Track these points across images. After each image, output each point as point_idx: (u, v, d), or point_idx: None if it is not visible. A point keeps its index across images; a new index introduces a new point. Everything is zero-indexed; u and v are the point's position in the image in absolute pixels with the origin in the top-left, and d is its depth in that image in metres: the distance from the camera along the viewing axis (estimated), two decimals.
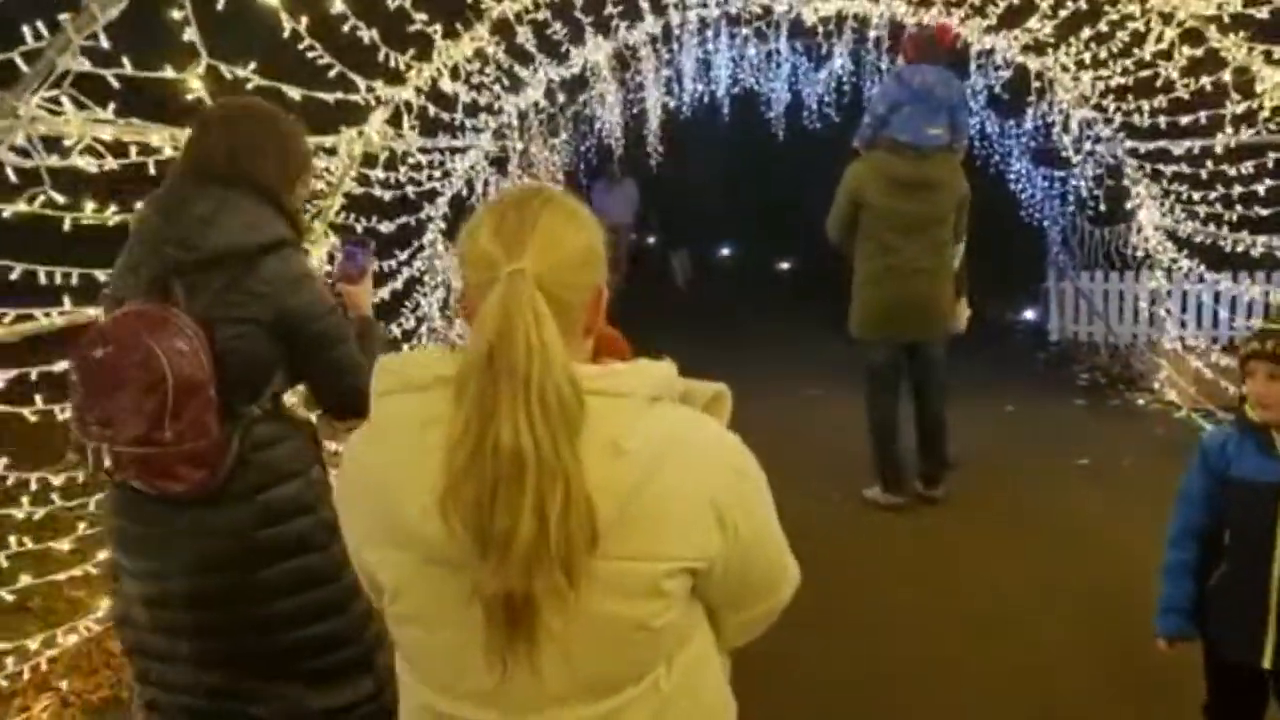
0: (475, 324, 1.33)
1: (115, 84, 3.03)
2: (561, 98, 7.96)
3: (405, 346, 7.60)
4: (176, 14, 3.08)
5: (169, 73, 3.24)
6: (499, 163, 8.18)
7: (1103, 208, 8.17)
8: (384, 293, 6.86)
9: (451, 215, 7.89)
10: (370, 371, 1.46)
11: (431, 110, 5.91)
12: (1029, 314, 11.59)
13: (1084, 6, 5.85)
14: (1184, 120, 6.36)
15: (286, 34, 3.55)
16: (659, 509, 1.34)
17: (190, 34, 3.16)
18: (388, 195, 6.33)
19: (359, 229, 6.04)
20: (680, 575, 1.38)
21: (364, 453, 1.45)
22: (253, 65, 3.57)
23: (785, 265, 17.37)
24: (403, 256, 7.00)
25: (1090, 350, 10.27)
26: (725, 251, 19.17)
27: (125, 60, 3.05)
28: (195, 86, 3.31)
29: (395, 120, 5.51)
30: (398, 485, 1.36)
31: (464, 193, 7.90)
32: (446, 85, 5.49)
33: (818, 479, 6.45)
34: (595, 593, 1.31)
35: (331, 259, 5.85)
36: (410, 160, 6.10)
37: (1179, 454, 7.11)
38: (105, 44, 2.87)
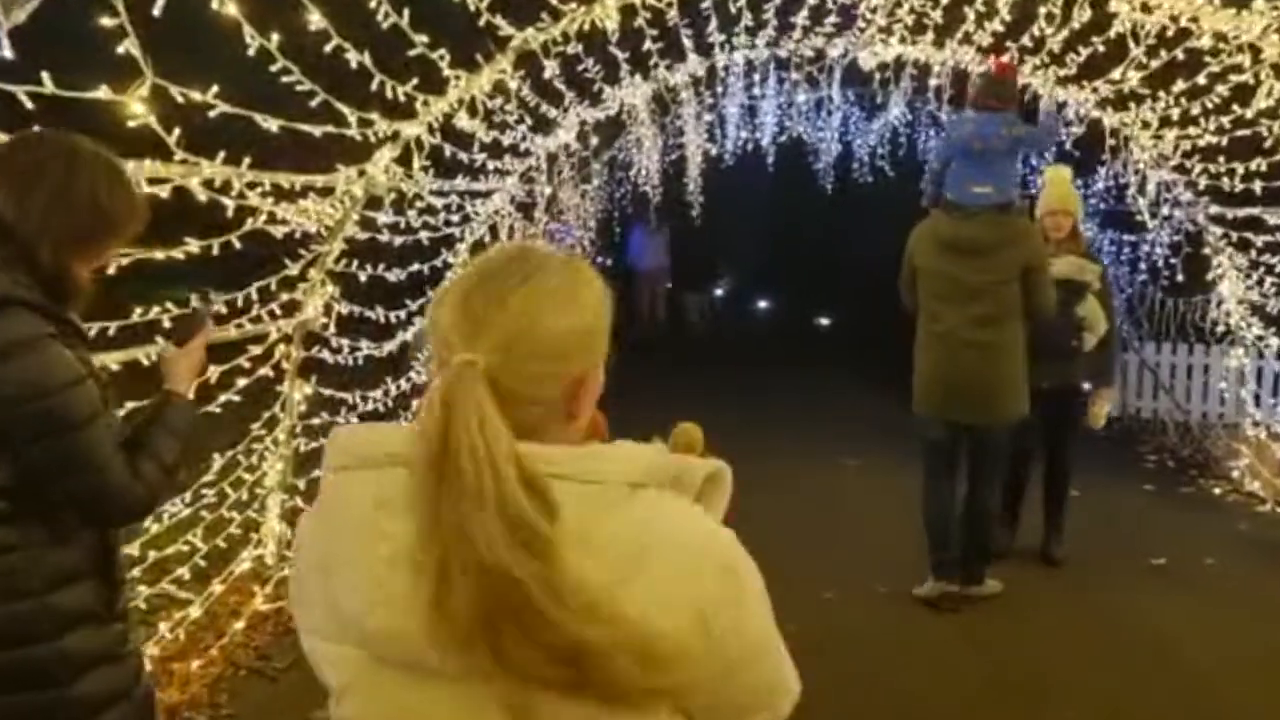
0: (422, 417, 1.18)
1: (29, 104, 2.48)
2: (595, 141, 7.41)
3: (415, 403, 7.07)
4: (108, 21, 2.52)
5: (104, 93, 2.69)
6: (525, 207, 7.64)
7: (1179, 277, 7.46)
8: (391, 346, 6.34)
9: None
10: (126, 467, 1.37)
11: (448, 149, 5.37)
12: (1089, 386, 10.82)
13: (1180, 56, 5.21)
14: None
15: (253, 52, 2.98)
16: (635, 609, 1.17)
17: (129, 46, 2.61)
18: (398, 240, 5.80)
19: (363, 278, 5.52)
20: None
21: (311, 532, 1.31)
22: (214, 89, 3.02)
23: (825, 320, 16.72)
24: (414, 307, 6.45)
25: (1157, 429, 9.51)
26: (763, 304, 18.53)
27: (44, 77, 2.50)
28: (138, 111, 2.76)
29: (404, 159, 4.98)
30: (343, 571, 1.23)
31: (486, 239, 7.37)
32: (464, 122, 4.95)
33: (856, 568, 5.79)
34: (583, 696, 1.16)
35: (328, 310, 5.33)
36: (421, 203, 5.55)
37: (1268, 555, 6.46)
38: (8, 54, 2.31)
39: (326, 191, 4.51)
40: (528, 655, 1.12)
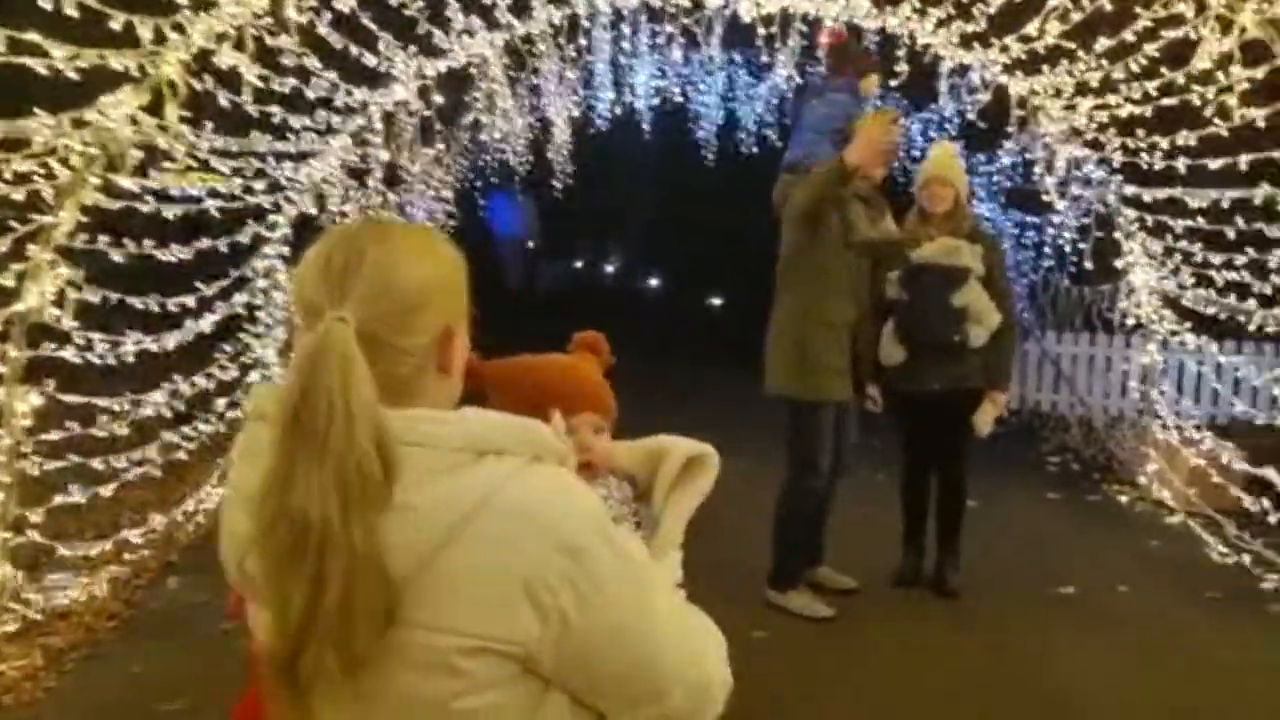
0: (287, 373, 1.18)
1: None
2: (440, 99, 6.39)
3: (224, 399, 6.02)
4: None
5: None
6: (359, 175, 6.58)
7: (1087, 263, 6.76)
8: (179, 338, 5.26)
9: (295, 239, 6.31)
10: None
11: (224, 98, 4.32)
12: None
13: (1107, 6, 4.42)
14: (1214, 165, 4.97)
15: None
16: (454, 578, 1.15)
17: None
18: (173, 212, 4.73)
19: (118, 257, 4.43)
20: (483, 656, 1.17)
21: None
22: None
23: (718, 301, 15.94)
24: (210, 291, 5.38)
25: (1058, 425, 8.89)
26: (653, 283, 17.70)
27: None
28: None
29: (156, 108, 3.92)
30: (229, 512, 1.27)
31: (315, 211, 6.31)
32: (229, 59, 3.90)
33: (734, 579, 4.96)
34: (391, 662, 1.16)
35: (61, 296, 4.25)
36: (195, 166, 4.50)
37: (1183, 581, 5.38)
38: None
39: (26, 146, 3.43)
40: (330, 613, 1.10)
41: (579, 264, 18.32)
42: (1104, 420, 8.26)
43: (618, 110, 8.16)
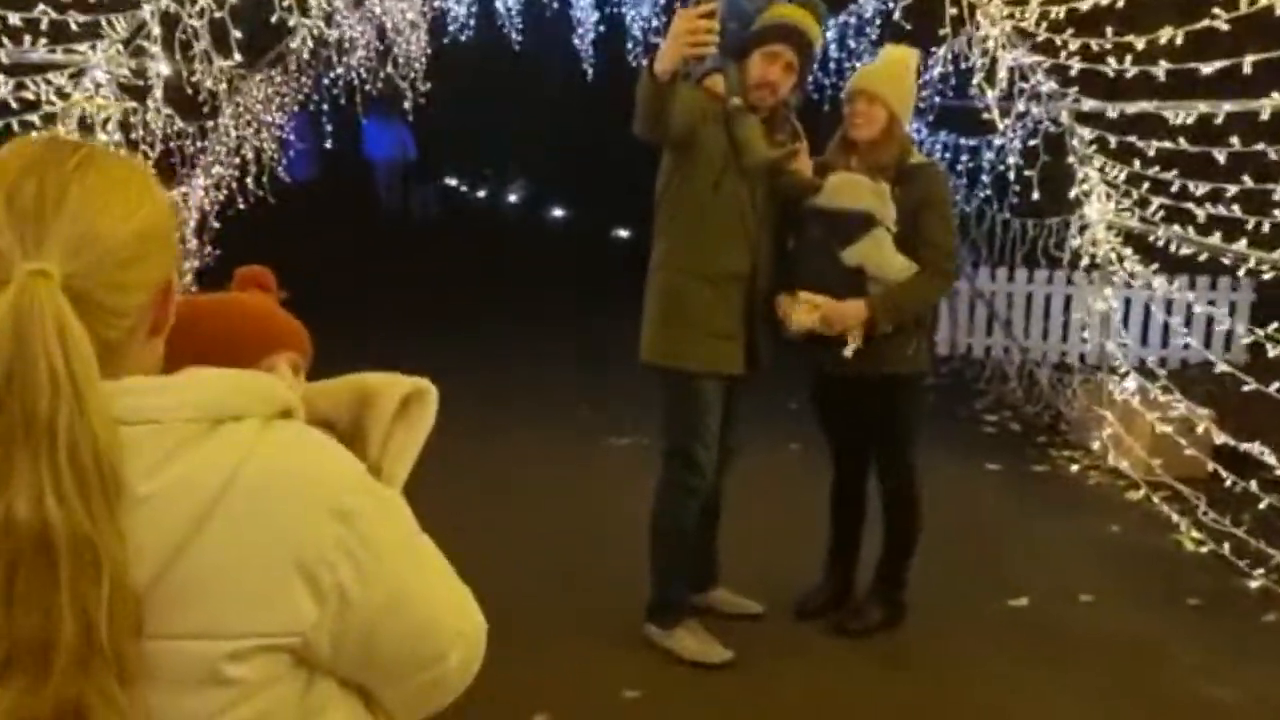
0: None
1: None
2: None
3: None
4: None
5: None
6: (136, 93, 5.20)
7: (1034, 194, 5.66)
8: None
9: None
10: None
11: None
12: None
13: None
14: (1208, 69, 3.87)
15: None
16: (211, 572, 0.97)
17: None
18: None
19: None
20: (256, 656, 1.01)
21: None
22: None
23: (625, 233, 14.66)
24: None
25: (994, 376, 7.88)
26: (558, 213, 16.40)
27: None
28: None
29: None
30: None
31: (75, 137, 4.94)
32: None
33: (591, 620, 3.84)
34: (140, 686, 0.96)
35: None
36: None
37: (1156, 583, 4.09)
38: None
39: None
40: (99, 646, 0.91)
41: (475, 190, 17.15)
42: (1049, 373, 7.24)
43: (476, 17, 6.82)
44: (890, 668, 3.85)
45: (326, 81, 7.64)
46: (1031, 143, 5.61)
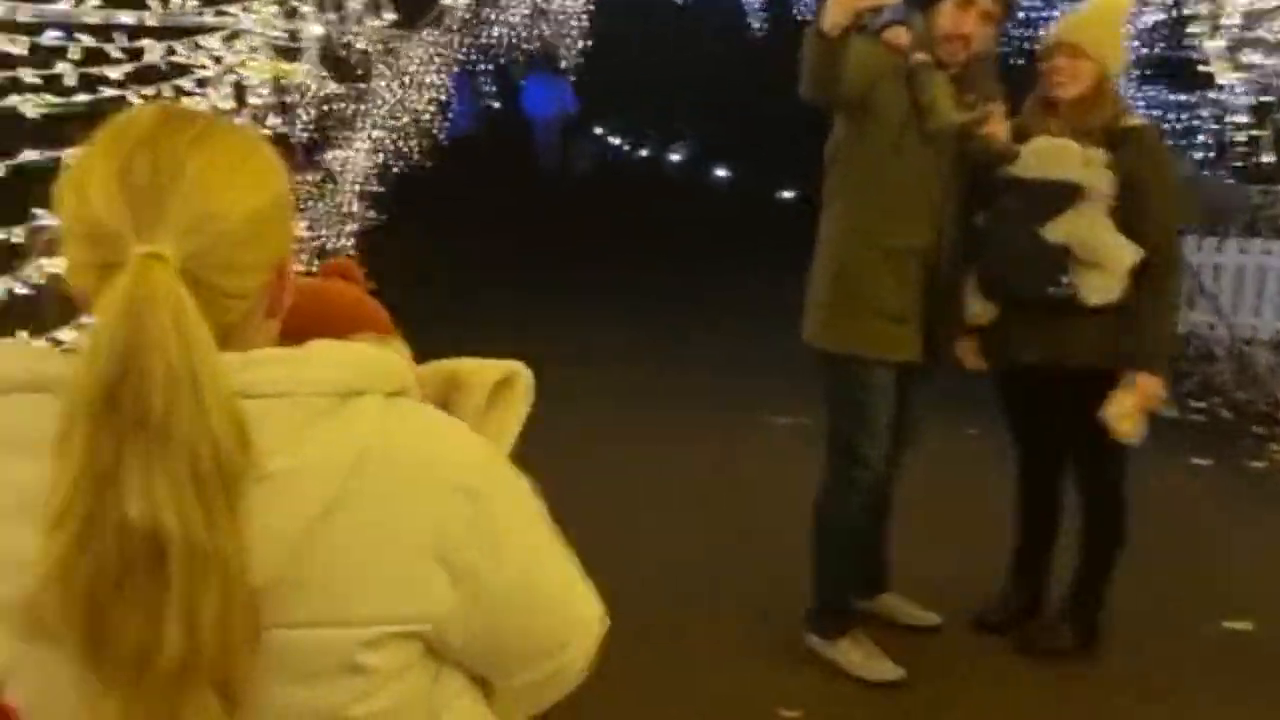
0: (87, 341, 0.87)
1: None
2: None
3: None
4: None
5: None
6: (292, 56, 5.09)
7: (1262, 157, 4.97)
8: None
9: None
10: None
11: None
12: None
13: None
14: None
15: None
16: (344, 555, 0.93)
17: None
18: None
19: None
20: (390, 644, 0.97)
21: None
22: None
23: (790, 194, 14.14)
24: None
25: (1202, 356, 7.12)
26: (720, 174, 15.97)
27: None
28: None
29: None
30: None
31: (233, 107, 4.87)
32: None
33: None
34: (267, 679, 0.92)
35: None
36: None
37: None
38: None
39: None
40: (208, 646, 0.86)
41: (638, 148, 17.00)
42: (1267, 355, 6.49)
43: None
44: (1082, 696, 3.41)
45: (485, 40, 7.45)
46: (1264, 99, 4.91)
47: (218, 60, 4.66)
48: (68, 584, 0.85)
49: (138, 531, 0.84)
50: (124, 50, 3.79)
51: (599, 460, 4.98)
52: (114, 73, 3.85)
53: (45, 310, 2.92)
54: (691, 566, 4.14)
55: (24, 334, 2.81)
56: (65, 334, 2.90)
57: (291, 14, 4.93)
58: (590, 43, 7.34)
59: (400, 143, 6.85)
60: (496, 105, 14.52)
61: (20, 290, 2.95)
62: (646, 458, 5.29)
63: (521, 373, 1.26)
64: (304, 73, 4.95)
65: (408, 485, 0.96)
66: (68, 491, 0.85)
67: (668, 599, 3.81)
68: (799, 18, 7.07)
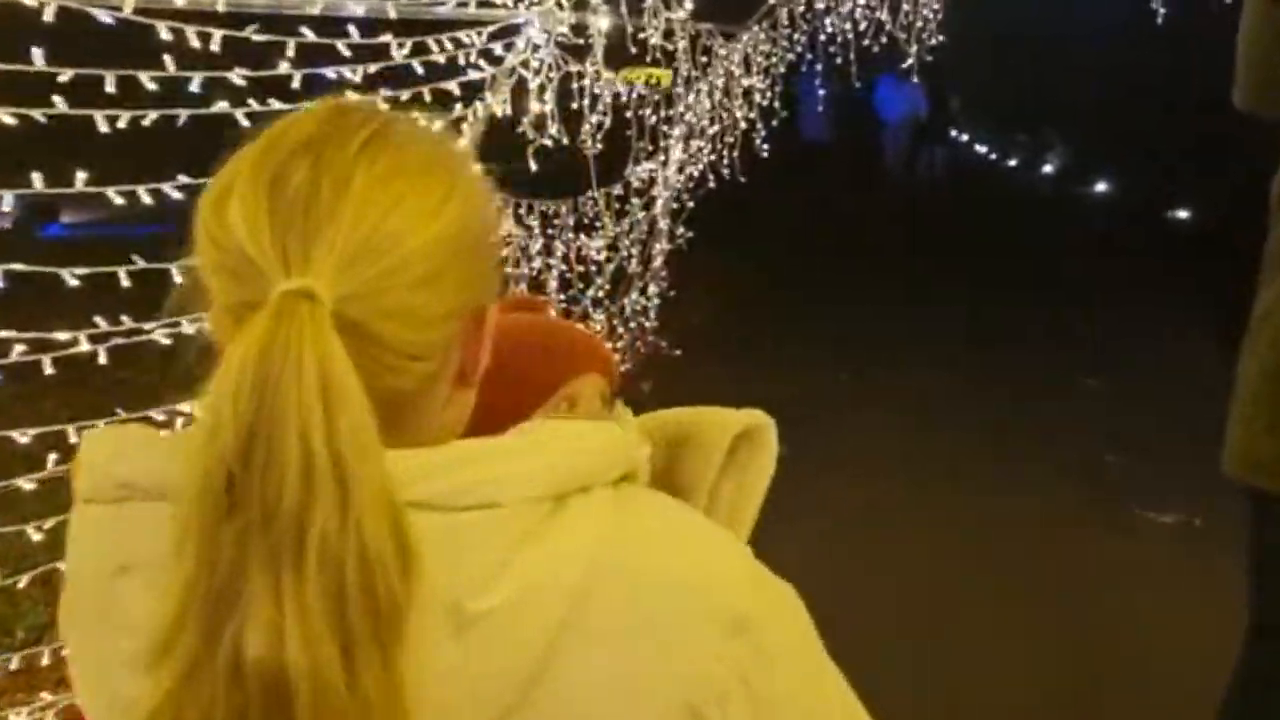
0: (207, 404, 0.68)
1: None
2: None
3: None
4: None
5: None
6: (575, 53, 4.43)
7: None
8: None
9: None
10: None
11: None
12: None
13: None
14: None
15: None
16: (569, 714, 0.72)
17: None
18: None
19: None
20: None
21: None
22: None
23: (1184, 214, 12.08)
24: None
25: None
26: (1100, 188, 14.10)
27: None
28: None
29: None
30: (82, 660, 0.81)
31: (508, 114, 4.32)
32: None
33: None
34: None
35: None
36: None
37: None
38: None
39: None
40: None
41: (1006, 158, 15.75)
42: None
43: None
44: None
45: (823, 38, 6.57)
46: None
47: (492, 59, 4.09)
48: None
49: (256, 672, 0.64)
50: (357, 47, 3.25)
51: (892, 549, 4.04)
52: (349, 73, 3.34)
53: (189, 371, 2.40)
54: (1025, 714, 3.12)
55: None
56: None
57: (578, 4, 4.27)
58: (945, 38, 6.30)
59: (718, 154, 6.12)
60: (847, 108, 13.74)
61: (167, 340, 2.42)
62: (963, 552, 4.20)
63: (765, 425, 1.09)
64: (669, 77, 4.36)
65: (651, 617, 0.73)
66: (176, 612, 0.66)
67: None
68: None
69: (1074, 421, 5.73)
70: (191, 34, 2.76)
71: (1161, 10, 5.67)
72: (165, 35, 2.69)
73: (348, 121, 0.75)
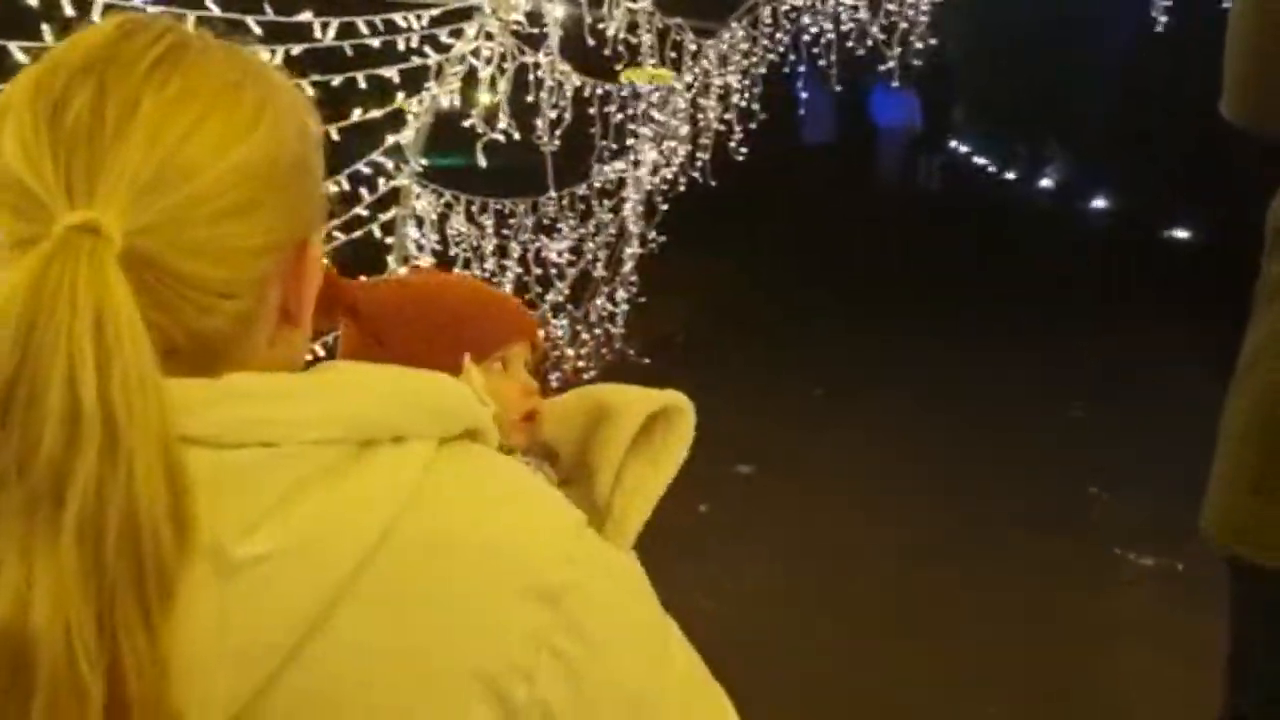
0: None
1: None
2: None
3: None
4: None
5: None
6: (531, 42, 4.15)
7: None
8: None
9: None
10: None
11: None
12: None
13: None
14: None
15: None
16: (347, 685, 0.66)
17: None
18: None
19: None
20: None
21: None
22: None
23: (1182, 234, 11.78)
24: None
25: None
26: (1098, 204, 13.85)
27: None
28: None
29: None
30: None
31: (452, 104, 4.05)
32: None
33: None
34: None
35: None
36: None
37: None
38: None
39: None
40: None
41: (1004, 170, 15.59)
42: None
43: None
44: None
45: (807, 39, 6.30)
46: None
47: (437, 45, 3.82)
48: None
49: (2, 636, 0.57)
50: (267, 25, 2.98)
51: (861, 574, 3.79)
52: (265, 55, 3.05)
53: None
54: None
55: None
56: None
57: None
58: (937, 41, 6.04)
59: (692, 155, 5.86)
60: (853, 112, 13.60)
61: None
62: (934, 580, 3.93)
63: (683, 406, 1.07)
64: (672, 77, 4.13)
65: (449, 582, 0.68)
66: None
67: None
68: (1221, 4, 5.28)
69: (1059, 452, 5.43)
70: (67, 4, 2.50)
71: (1162, 19, 5.40)
72: (33, 2, 2.43)
73: (135, 40, 0.68)
